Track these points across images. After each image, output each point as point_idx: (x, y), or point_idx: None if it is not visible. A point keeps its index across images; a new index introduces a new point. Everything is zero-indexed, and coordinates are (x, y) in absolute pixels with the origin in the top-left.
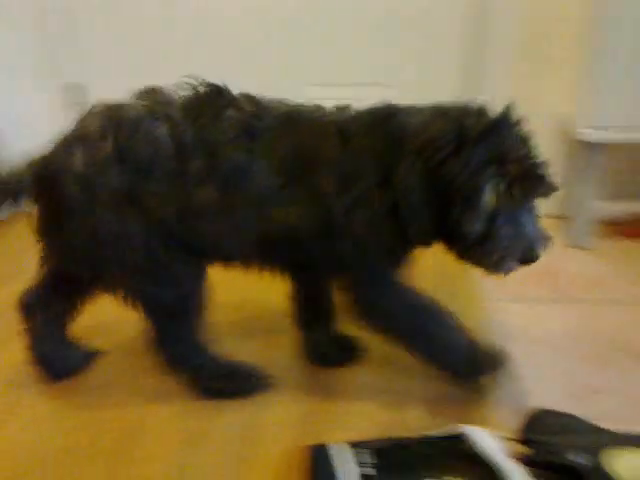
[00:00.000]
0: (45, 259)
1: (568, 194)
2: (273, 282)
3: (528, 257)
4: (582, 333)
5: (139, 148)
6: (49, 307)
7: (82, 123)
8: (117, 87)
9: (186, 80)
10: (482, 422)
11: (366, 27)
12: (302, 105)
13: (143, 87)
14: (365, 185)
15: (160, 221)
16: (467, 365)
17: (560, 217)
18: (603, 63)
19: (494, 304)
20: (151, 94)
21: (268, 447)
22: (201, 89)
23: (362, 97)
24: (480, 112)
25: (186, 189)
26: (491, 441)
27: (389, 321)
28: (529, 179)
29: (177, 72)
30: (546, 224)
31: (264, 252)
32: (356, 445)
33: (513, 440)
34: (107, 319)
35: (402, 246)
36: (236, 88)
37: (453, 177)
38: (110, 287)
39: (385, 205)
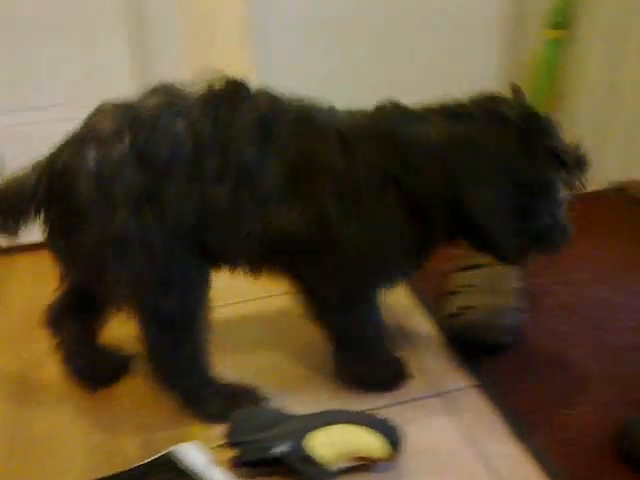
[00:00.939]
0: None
1: None
2: None
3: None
4: (283, 322)
5: (158, 146)
6: (77, 318)
7: (91, 122)
8: None
9: (201, 75)
10: (196, 437)
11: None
12: (315, 105)
13: (156, 83)
14: (365, 194)
15: (178, 222)
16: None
17: None
18: (267, 40)
19: None
20: (165, 90)
21: None
22: (217, 85)
23: None
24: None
25: (202, 187)
26: (198, 454)
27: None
28: (581, 167)
29: None
30: None
31: (265, 255)
32: None
33: (222, 446)
34: None
35: (407, 256)
36: None
37: (523, 177)
38: (114, 299)
39: (386, 216)
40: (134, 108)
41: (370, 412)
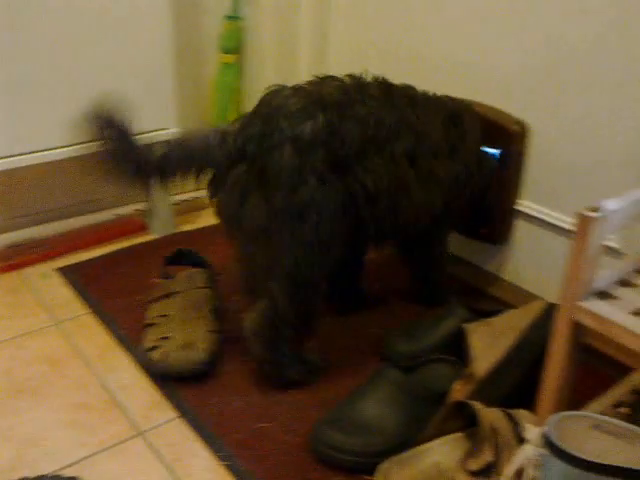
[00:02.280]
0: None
1: None
2: None
3: None
4: None
5: (349, 125)
6: None
7: (274, 100)
8: None
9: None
10: None
11: None
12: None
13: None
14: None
15: (361, 193)
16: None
17: None
18: None
19: None
20: (331, 79)
21: None
22: (365, 78)
23: None
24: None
25: (394, 166)
26: None
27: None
28: None
29: None
30: None
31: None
32: None
33: None
34: None
35: None
36: None
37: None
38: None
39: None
40: (313, 92)
41: (59, 471)
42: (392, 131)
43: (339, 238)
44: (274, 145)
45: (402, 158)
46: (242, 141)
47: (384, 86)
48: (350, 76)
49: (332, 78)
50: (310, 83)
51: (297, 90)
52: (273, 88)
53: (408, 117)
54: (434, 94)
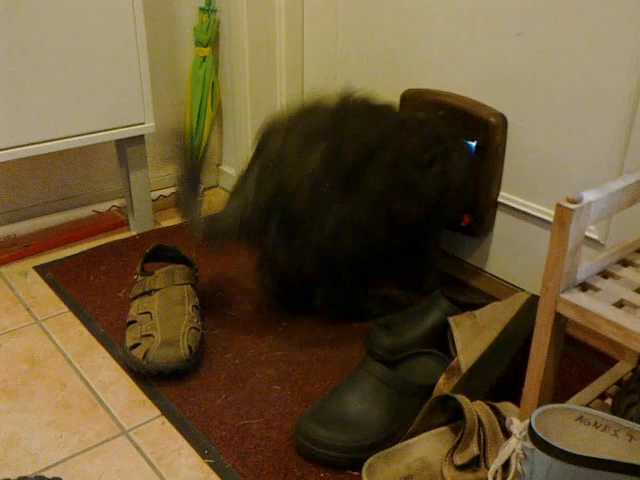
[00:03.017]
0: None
1: None
2: None
3: None
4: None
5: (345, 146)
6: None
7: (274, 144)
8: None
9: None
10: None
11: None
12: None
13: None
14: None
15: (375, 201)
16: None
17: None
18: None
19: None
20: (316, 108)
21: None
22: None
23: None
24: None
25: (385, 171)
26: None
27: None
28: None
29: None
30: None
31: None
32: None
33: None
34: None
35: None
36: None
37: None
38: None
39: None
40: (305, 125)
41: (42, 472)
42: (377, 143)
43: (378, 235)
44: (294, 191)
45: (389, 166)
46: (264, 199)
47: (366, 104)
48: (333, 99)
49: (318, 105)
50: (299, 115)
51: (291, 127)
52: (267, 125)
53: (389, 132)
54: (416, 115)
